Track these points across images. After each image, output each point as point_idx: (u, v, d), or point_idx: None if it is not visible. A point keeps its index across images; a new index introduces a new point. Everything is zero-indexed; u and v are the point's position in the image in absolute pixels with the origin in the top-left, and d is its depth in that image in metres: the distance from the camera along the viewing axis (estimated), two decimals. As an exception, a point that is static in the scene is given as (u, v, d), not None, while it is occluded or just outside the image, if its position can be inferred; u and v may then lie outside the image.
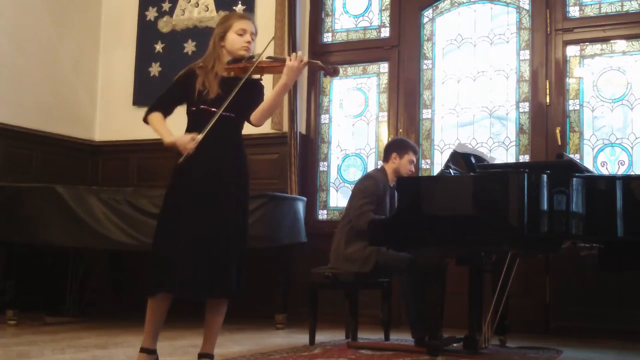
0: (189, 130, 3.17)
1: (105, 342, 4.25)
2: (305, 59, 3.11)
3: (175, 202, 3.11)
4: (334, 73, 3.19)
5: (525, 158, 5.42)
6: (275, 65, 3.15)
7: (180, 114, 3.27)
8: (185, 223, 3.05)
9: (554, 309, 5.16)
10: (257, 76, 3.21)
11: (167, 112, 3.23)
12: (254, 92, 3.19)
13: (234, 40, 3.19)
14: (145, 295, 3.12)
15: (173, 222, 3.08)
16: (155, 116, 3.19)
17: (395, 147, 4.60)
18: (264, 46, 3.25)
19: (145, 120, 3.23)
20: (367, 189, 4.39)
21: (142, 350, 3.12)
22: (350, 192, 4.65)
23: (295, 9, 5.94)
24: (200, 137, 3.03)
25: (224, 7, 6.28)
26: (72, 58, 6.53)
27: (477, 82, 5.69)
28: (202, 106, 3.13)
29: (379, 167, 4.74)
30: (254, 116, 3.17)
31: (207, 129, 3.03)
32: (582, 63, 5.40)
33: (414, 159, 4.60)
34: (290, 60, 3.06)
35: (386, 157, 4.60)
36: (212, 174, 3.11)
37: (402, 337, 4.62)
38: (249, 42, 3.20)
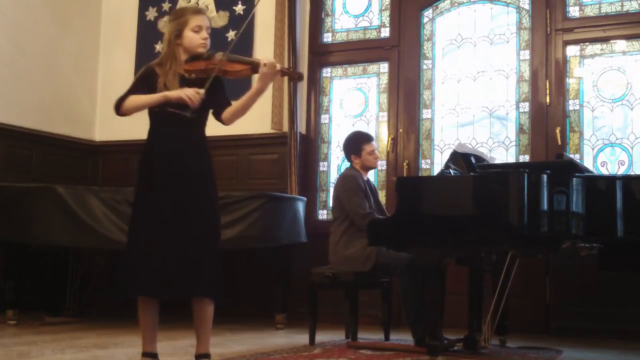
0: (153, 131, 3.16)
1: (105, 342, 4.25)
2: (279, 66, 3.08)
3: (146, 205, 3.09)
4: (299, 79, 3.21)
5: (525, 158, 5.42)
6: (239, 69, 3.12)
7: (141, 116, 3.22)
8: (157, 226, 3.03)
9: (554, 309, 5.15)
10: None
11: None
12: (217, 89, 3.16)
13: (191, 38, 3.15)
14: (125, 297, 3.14)
15: (145, 226, 3.06)
16: (134, 96, 3.09)
17: (350, 149, 4.61)
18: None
19: (120, 109, 3.12)
20: (354, 189, 4.41)
21: (145, 354, 3.13)
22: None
23: (295, 9, 5.94)
24: (203, 91, 3.01)
25: (223, 7, 6.28)
26: (72, 58, 6.53)
27: (477, 82, 5.69)
28: (169, 109, 3.07)
29: (348, 166, 4.71)
30: (225, 115, 3.16)
31: (207, 86, 3.01)
32: (582, 63, 5.40)
33: (373, 147, 4.60)
34: (265, 67, 3.03)
35: (348, 160, 4.62)
36: (181, 174, 3.08)
37: (402, 337, 4.62)
38: (206, 39, 3.17)
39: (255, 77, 3.13)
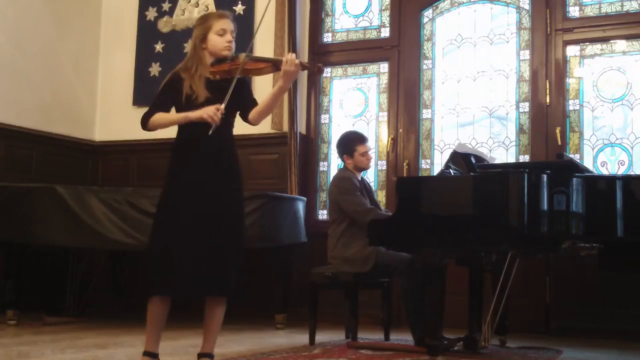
0: (181, 132, 3.19)
1: (105, 342, 4.25)
2: (297, 61, 3.12)
3: (172, 202, 3.12)
4: (319, 72, 3.29)
5: (525, 158, 5.42)
6: (261, 67, 3.18)
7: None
8: (183, 223, 3.06)
9: (554, 309, 5.15)
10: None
11: (166, 112, 3.24)
12: (243, 91, 3.21)
13: (215, 41, 3.20)
14: (146, 297, 3.13)
15: (171, 223, 3.08)
16: (159, 114, 3.18)
17: (342, 150, 4.61)
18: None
19: (147, 126, 3.19)
20: (350, 189, 4.41)
21: (145, 353, 3.12)
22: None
23: (295, 9, 5.94)
24: (223, 106, 3.05)
25: (223, 7, 6.26)
26: (72, 58, 6.53)
27: (477, 82, 5.69)
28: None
29: (341, 167, 4.70)
30: (252, 115, 3.21)
31: (227, 100, 3.05)
32: (582, 63, 5.40)
33: (366, 149, 4.58)
34: (287, 64, 3.07)
35: (341, 159, 4.62)
36: (208, 174, 3.12)
37: (402, 337, 4.62)
38: (230, 42, 3.22)
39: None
